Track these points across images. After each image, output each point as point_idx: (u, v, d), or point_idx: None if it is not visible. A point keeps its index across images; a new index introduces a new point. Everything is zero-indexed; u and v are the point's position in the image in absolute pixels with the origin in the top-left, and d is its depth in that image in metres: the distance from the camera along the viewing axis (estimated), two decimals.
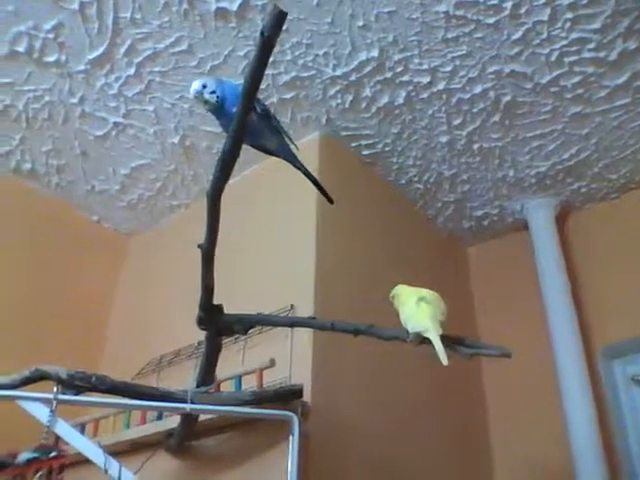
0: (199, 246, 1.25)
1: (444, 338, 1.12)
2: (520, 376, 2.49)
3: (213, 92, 1.23)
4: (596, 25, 1.93)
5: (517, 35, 1.97)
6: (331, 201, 1.43)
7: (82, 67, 2.09)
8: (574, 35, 1.97)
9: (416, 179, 2.58)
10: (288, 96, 2.18)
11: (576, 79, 2.12)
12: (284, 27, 1.90)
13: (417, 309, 1.16)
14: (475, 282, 2.88)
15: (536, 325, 2.47)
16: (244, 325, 1.39)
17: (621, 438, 2.28)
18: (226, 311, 1.43)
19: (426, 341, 1.14)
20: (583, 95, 2.18)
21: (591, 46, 2.01)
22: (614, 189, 2.63)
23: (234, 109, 1.14)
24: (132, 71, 2.10)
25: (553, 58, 2.05)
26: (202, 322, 1.34)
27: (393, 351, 2.07)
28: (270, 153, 1.40)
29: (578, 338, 2.35)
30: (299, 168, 1.41)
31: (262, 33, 1.03)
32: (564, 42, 1.99)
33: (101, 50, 2.03)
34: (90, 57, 2.06)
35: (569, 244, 2.67)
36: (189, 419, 1.65)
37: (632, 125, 2.30)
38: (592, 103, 2.22)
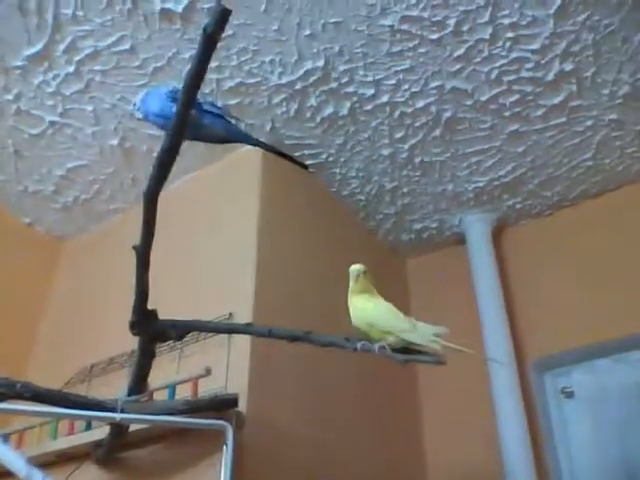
0: (134, 247, 1.22)
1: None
2: (455, 385, 2.53)
3: (138, 108, 1.27)
4: (535, 46, 2.00)
5: (459, 52, 2.02)
6: (305, 166, 1.42)
7: (19, 63, 2.01)
8: (514, 54, 2.03)
9: (358, 190, 2.60)
10: (233, 102, 2.16)
11: (514, 97, 2.19)
12: (231, 32, 1.91)
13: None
14: (413, 294, 2.91)
15: (471, 337, 2.50)
16: (179, 331, 1.35)
17: (551, 449, 2.34)
18: (162, 318, 1.40)
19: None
20: (521, 113, 2.25)
21: (529, 66, 2.07)
22: (548, 206, 2.72)
23: (158, 115, 1.15)
24: (71, 69, 2.04)
25: (493, 76, 2.10)
26: (135, 327, 1.30)
27: (330, 359, 2.08)
28: (221, 141, 1.38)
29: (511, 351, 2.40)
30: (257, 144, 1.40)
31: (205, 30, 1.01)
32: (504, 61, 2.05)
33: (40, 46, 1.96)
34: (28, 53, 1.98)
35: (504, 259, 2.74)
36: (119, 429, 1.59)
37: (566, 144, 2.38)
38: (529, 121, 2.29)
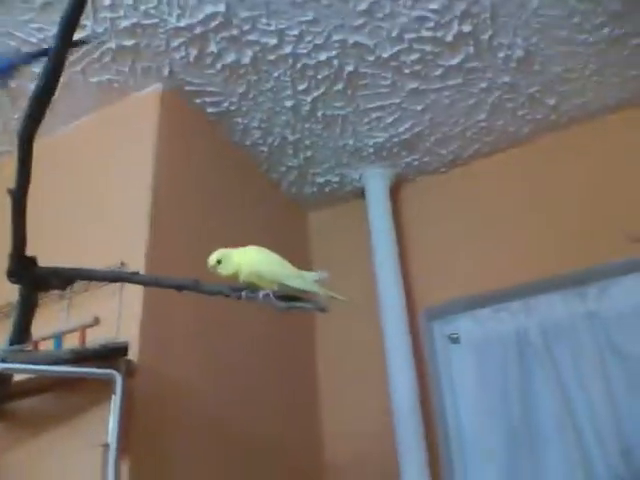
0: (9, 190, 1.16)
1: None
2: (349, 334, 2.64)
3: None
4: (435, 5, 2.03)
5: (362, 7, 2.02)
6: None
7: None
8: (415, 13, 2.05)
9: (261, 142, 2.58)
10: (128, 43, 2.07)
11: (414, 56, 2.22)
12: None
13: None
14: (314, 246, 2.96)
15: (367, 289, 2.60)
16: (62, 279, 1.31)
17: (438, 392, 2.49)
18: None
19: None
20: (420, 72, 2.29)
21: (430, 25, 2.10)
22: (443, 164, 2.81)
23: None
24: None
25: (394, 33, 2.12)
26: (13, 274, 1.25)
27: (225, 310, 2.09)
28: None
29: (402, 300, 2.51)
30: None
31: None
32: (405, 19, 2.07)
33: None
34: None
35: (401, 213, 2.83)
36: (2, 380, 1.54)
37: (462, 104, 2.46)
38: (428, 80, 2.33)
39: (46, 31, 2.00)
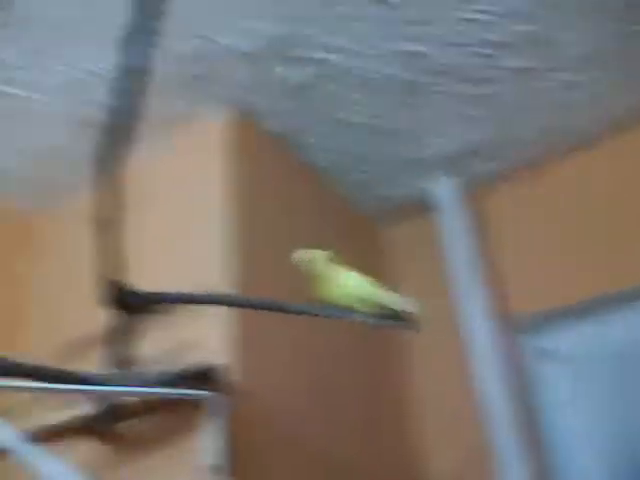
0: (99, 219, 1.23)
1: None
2: (438, 351, 2.59)
3: None
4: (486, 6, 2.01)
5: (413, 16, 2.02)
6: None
7: None
8: (465, 15, 2.02)
9: (329, 159, 2.61)
10: (196, 72, 2.13)
11: (477, 61, 2.18)
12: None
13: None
14: (389, 262, 2.92)
15: (448, 303, 2.55)
16: (158, 303, 1.39)
17: (532, 409, 2.39)
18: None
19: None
20: (485, 76, 2.25)
21: (489, 27, 2.08)
22: (519, 169, 2.74)
23: None
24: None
25: (452, 39, 2.09)
26: (112, 301, 1.33)
27: (320, 330, 2.13)
28: None
29: (489, 314, 2.44)
30: None
31: None
32: (461, 27, 2.06)
33: None
34: None
35: (478, 222, 2.75)
36: (107, 402, 1.63)
37: (534, 106, 2.41)
38: (494, 84, 2.29)
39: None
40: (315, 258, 1.20)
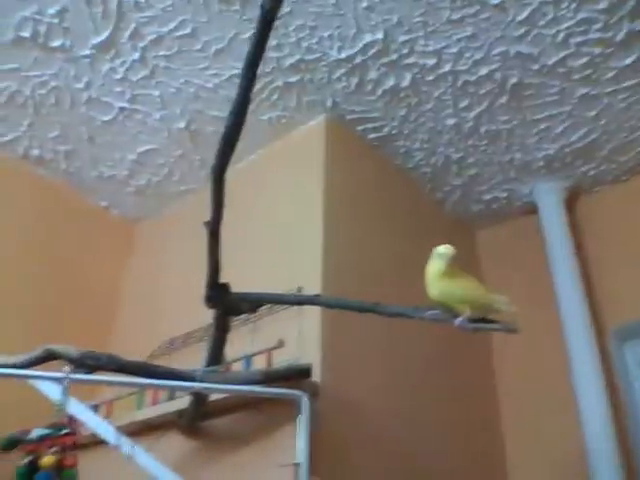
0: (205, 223, 1.26)
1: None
2: (530, 356, 2.51)
3: None
4: (602, 5, 1.92)
5: (522, 16, 1.96)
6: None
7: (87, 52, 2.10)
8: (580, 15, 1.96)
9: (423, 162, 2.58)
10: (293, 79, 2.18)
11: (583, 60, 2.11)
12: (288, 9, 1.92)
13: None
14: (485, 266, 2.86)
15: (547, 308, 2.46)
16: (251, 303, 1.40)
17: (633, 422, 2.27)
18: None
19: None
20: (591, 76, 2.17)
21: (597, 26, 1.99)
22: (623, 171, 2.61)
23: None
24: (137, 56, 2.11)
25: (559, 39, 2.03)
26: (209, 300, 1.36)
27: (403, 330, 2.10)
28: None
29: (589, 319, 2.34)
30: None
31: (262, 6, 1.04)
32: (570, 22, 1.98)
33: (105, 35, 2.04)
34: (95, 42, 2.06)
35: (579, 227, 2.66)
36: (199, 399, 1.66)
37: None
38: (600, 84, 2.20)
39: (221, 76, 2.17)
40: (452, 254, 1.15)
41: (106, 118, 2.35)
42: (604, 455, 2.09)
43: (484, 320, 1.13)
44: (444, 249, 1.15)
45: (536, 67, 2.14)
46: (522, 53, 2.08)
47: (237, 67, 2.11)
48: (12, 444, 1.24)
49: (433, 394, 2.22)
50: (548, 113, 2.32)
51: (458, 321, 1.11)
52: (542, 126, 2.38)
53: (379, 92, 2.24)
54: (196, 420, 1.77)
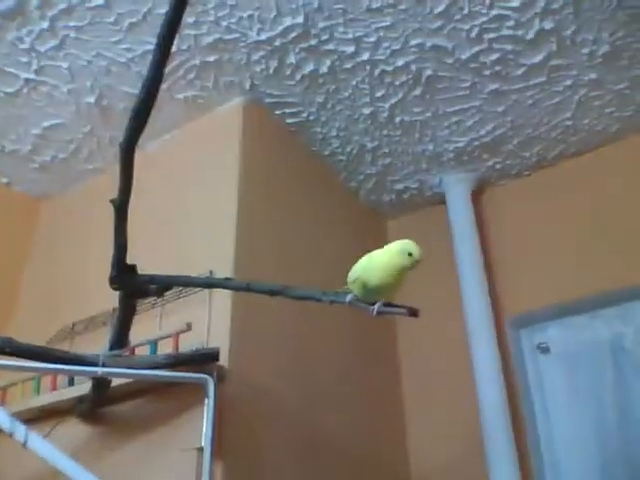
0: (111, 201, 1.22)
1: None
2: (434, 342, 2.61)
3: None
4: (515, 3, 1.99)
5: (440, 9, 2.00)
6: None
7: None
8: (494, 12, 2.02)
9: (339, 150, 2.60)
10: (211, 59, 2.13)
11: (494, 56, 2.18)
12: None
13: None
14: None
15: (450, 296, 2.56)
16: (158, 285, 1.36)
17: (527, 403, 2.41)
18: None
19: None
20: (501, 72, 2.24)
21: (510, 24, 2.06)
22: (527, 166, 2.73)
23: None
24: (45, 25, 1.99)
25: (474, 34, 2.09)
26: (114, 281, 1.31)
27: (312, 315, 2.11)
28: None
29: (488, 308, 2.44)
30: None
31: None
32: (484, 18, 2.04)
33: (12, 1, 1.92)
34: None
35: (484, 218, 2.77)
36: (101, 384, 1.61)
37: (546, 104, 2.39)
38: (509, 81, 2.28)
39: (134, 51, 2.09)
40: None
41: (10, 90, 2.22)
42: (500, 438, 2.20)
43: (390, 305, 1.15)
44: (417, 251, 1.14)
45: (450, 61, 2.19)
46: (438, 46, 2.13)
47: (151, 43, 2.02)
48: None
49: (339, 375, 2.25)
50: (459, 107, 2.39)
51: (376, 308, 1.13)
52: (453, 119, 2.45)
53: (298, 77, 2.23)
54: (97, 406, 1.71)
